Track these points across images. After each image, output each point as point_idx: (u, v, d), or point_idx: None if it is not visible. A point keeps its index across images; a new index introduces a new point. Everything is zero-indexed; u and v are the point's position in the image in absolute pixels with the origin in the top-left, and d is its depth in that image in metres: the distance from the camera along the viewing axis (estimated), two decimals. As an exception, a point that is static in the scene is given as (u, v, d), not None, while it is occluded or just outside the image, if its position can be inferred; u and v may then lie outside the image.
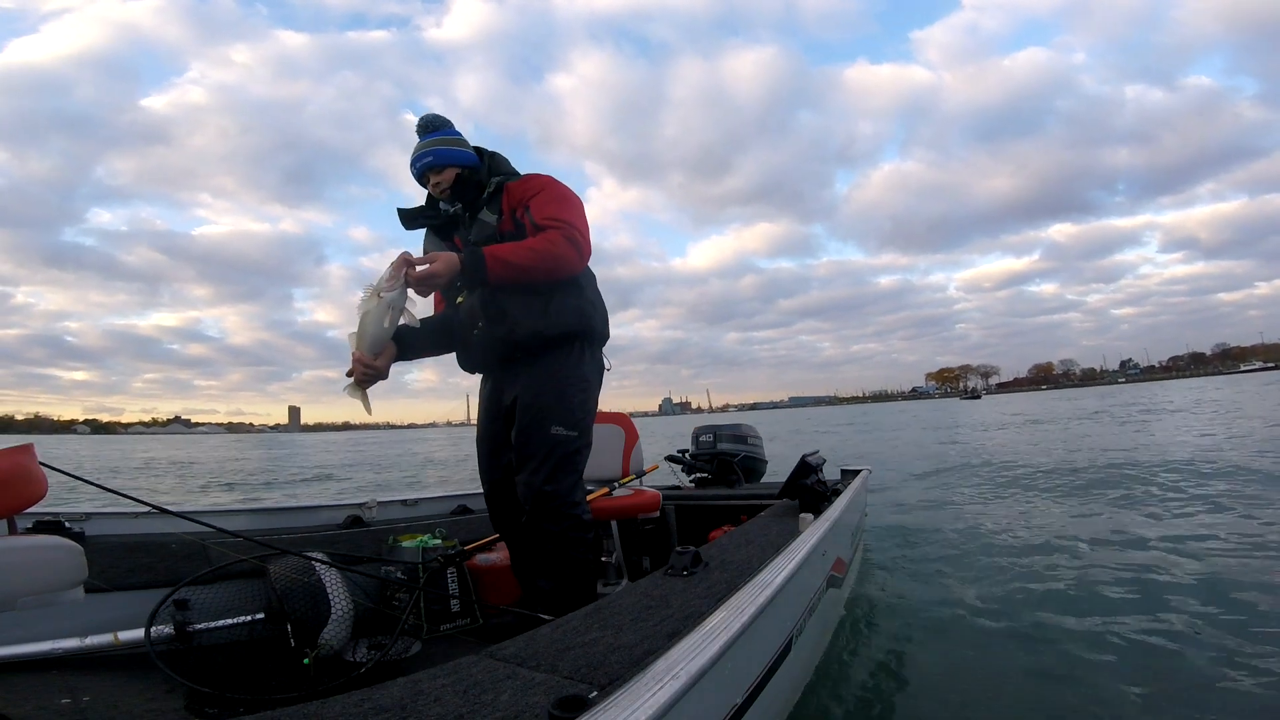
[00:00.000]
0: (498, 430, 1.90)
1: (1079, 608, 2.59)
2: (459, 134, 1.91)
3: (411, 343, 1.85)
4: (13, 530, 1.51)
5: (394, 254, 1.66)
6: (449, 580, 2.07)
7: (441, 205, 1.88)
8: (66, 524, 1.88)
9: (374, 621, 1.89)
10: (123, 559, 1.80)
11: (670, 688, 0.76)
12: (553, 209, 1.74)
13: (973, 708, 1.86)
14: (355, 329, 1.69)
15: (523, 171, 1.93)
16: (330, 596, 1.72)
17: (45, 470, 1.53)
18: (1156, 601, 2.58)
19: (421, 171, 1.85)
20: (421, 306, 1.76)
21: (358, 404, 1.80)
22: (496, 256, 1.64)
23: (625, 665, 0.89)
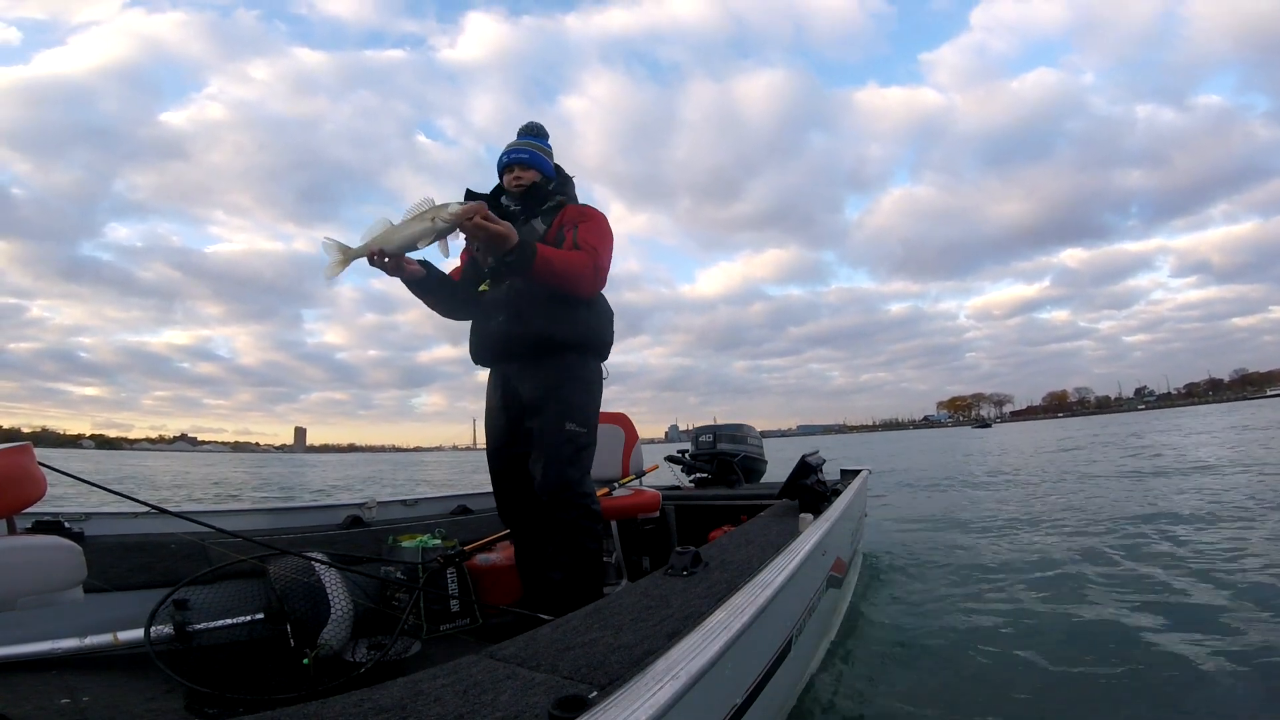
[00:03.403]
0: (508, 424, 1.97)
1: (1079, 608, 2.60)
2: (550, 149, 2.13)
3: (434, 280, 1.92)
4: (12, 530, 1.51)
5: None
6: (449, 580, 2.07)
7: (504, 199, 2.03)
8: (66, 524, 1.87)
9: (374, 621, 1.89)
10: (122, 559, 1.80)
11: (670, 688, 0.76)
12: (594, 239, 1.91)
13: (972, 708, 1.86)
14: (385, 222, 1.68)
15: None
16: (330, 597, 1.72)
17: (44, 470, 1.53)
18: (1161, 605, 2.58)
19: (511, 162, 2.02)
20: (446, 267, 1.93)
21: (332, 277, 1.72)
22: (545, 255, 1.76)
23: (625, 665, 0.88)
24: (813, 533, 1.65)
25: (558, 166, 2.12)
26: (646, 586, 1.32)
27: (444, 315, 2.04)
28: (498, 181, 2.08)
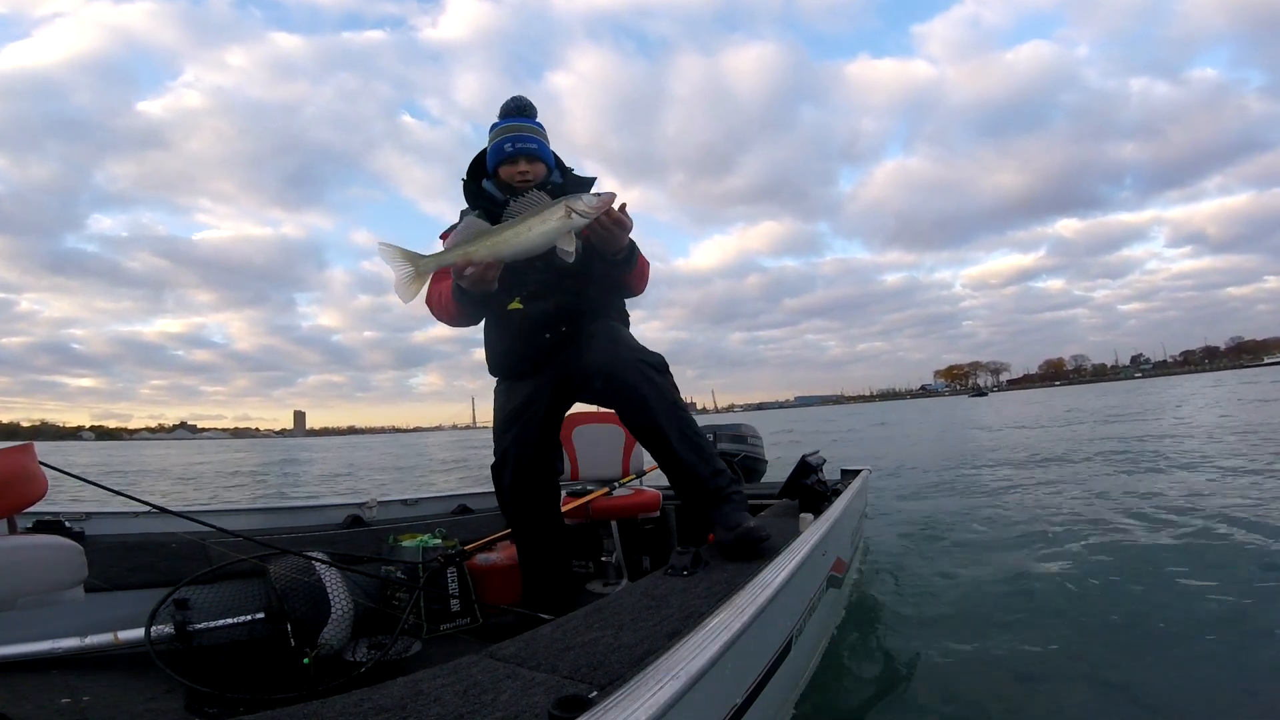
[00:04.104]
0: (541, 432, 1.82)
1: (1083, 608, 2.59)
2: (544, 130, 1.84)
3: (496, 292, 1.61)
4: (13, 530, 1.51)
5: None
6: (449, 580, 2.07)
7: (501, 195, 1.76)
8: (66, 524, 1.88)
9: (374, 621, 1.89)
10: (123, 559, 1.80)
11: (670, 688, 0.76)
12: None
13: (973, 708, 1.86)
14: (477, 222, 1.46)
15: None
16: (330, 596, 1.72)
17: (45, 470, 1.53)
18: (1167, 605, 2.56)
19: (519, 154, 1.76)
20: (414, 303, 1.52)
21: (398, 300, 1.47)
22: (642, 260, 1.68)
23: (625, 665, 0.89)
24: (813, 533, 1.65)
25: (556, 156, 1.89)
26: (647, 586, 1.32)
27: (459, 325, 1.84)
28: (484, 167, 1.82)
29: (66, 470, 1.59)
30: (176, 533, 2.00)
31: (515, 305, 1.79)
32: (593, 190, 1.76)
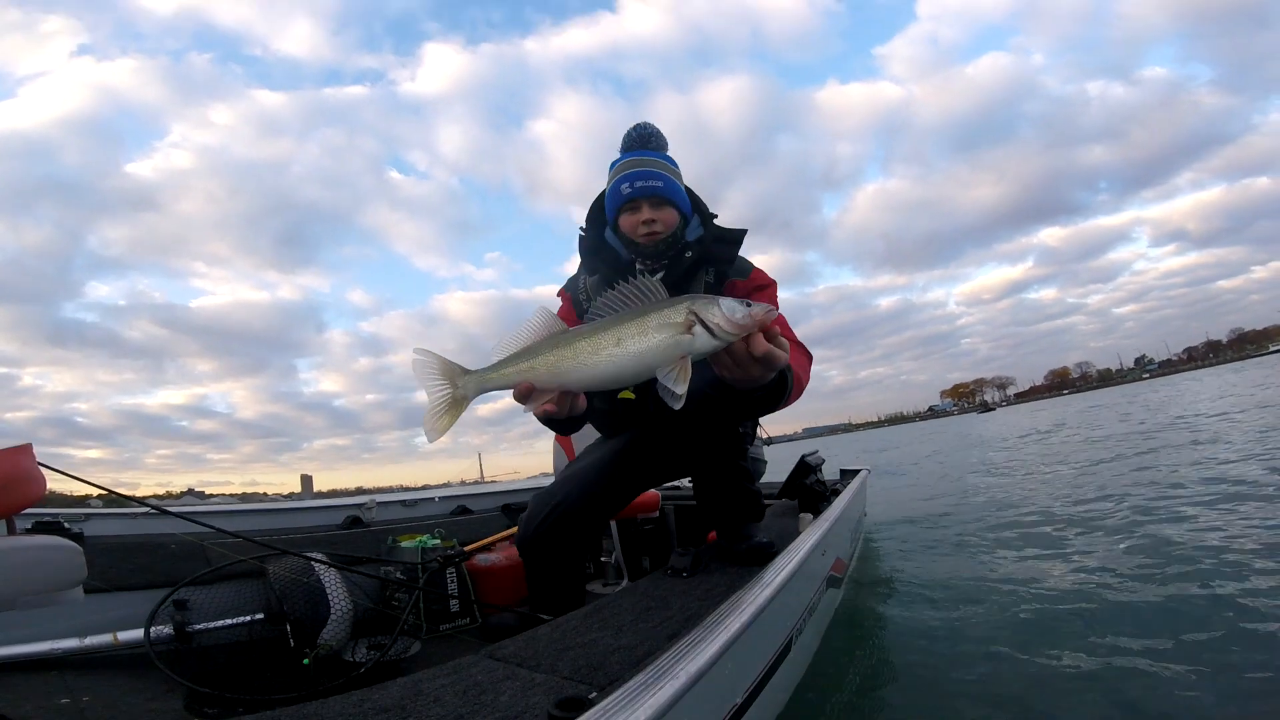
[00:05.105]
0: (626, 471, 1.50)
1: (1080, 610, 2.59)
2: (679, 169, 1.41)
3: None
4: (12, 530, 1.51)
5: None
6: (448, 580, 2.07)
7: (625, 252, 1.35)
8: (66, 524, 1.88)
9: (374, 621, 1.89)
10: (122, 559, 1.80)
11: (670, 688, 0.76)
12: (790, 329, 1.33)
13: (971, 708, 1.86)
14: (553, 320, 0.98)
15: None
16: (330, 597, 1.72)
17: (44, 470, 1.53)
18: (1165, 611, 2.54)
19: (639, 196, 1.33)
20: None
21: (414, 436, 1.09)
22: (799, 380, 1.19)
23: (625, 666, 0.89)
24: (812, 532, 1.65)
25: (691, 193, 1.42)
26: (646, 587, 1.33)
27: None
28: (601, 220, 1.44)
29: (66, 470, 1.59)
30: (176, 533, 2.00)
31: (627, 395, 1.43)
32: (737, 265, 1.36)
